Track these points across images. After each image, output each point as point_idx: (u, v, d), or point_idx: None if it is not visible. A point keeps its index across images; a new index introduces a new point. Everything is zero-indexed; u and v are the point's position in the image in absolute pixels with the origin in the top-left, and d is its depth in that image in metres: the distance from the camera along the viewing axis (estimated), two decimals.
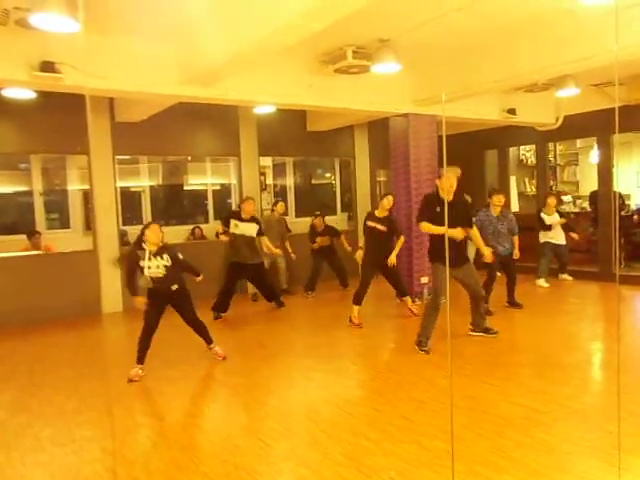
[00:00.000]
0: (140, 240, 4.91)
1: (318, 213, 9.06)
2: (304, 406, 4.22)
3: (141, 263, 4.87)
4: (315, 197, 12.28)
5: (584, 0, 4.38)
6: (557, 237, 8.78)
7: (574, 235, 8.68)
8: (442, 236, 5.04)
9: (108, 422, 3.97)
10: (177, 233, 9.89)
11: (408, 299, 7.00)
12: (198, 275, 5.32)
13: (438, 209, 5.09)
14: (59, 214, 9.95)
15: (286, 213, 9.70)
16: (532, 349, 5.60)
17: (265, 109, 8.05)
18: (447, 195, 5.02)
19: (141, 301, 4.92)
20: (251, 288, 8.43)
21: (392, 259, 6.54)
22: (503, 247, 6.89)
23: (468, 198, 6.44)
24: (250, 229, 7.25)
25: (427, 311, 5.43)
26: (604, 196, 9.02)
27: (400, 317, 7.03)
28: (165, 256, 4.91)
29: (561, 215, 8.89)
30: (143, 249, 4.88)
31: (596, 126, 8.64)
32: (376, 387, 4.64)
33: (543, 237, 8.85)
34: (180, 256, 5.05)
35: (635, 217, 10.21)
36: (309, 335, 6.45)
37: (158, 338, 5.06)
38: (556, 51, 5.76)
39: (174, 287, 5.01)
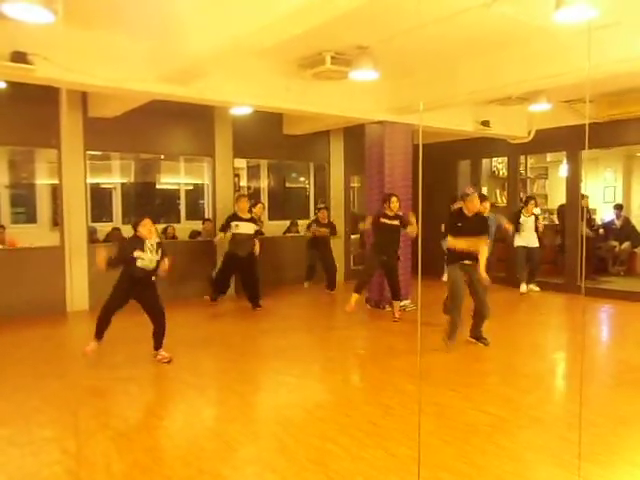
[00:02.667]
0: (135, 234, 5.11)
1: (323, 206, 9.36)
2: (272, 410, 4.19)
3: (135, 253, 5.00)
4: (289, 201, 12.28)
5: (558, 19, 4.48)
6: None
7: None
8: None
9: (69, 422, 3.88)
10: None
11: (397, 304, 7.15)
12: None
13: (460, 224, 5.70)
14: (25, 208, 9.71)
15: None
16: (498, 358, 5.69)
17: (241, 110, 8.00)
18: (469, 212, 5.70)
19: (102, 257, 4.97)
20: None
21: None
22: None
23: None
24: (251, 228, 7.77)
25: (449, 315, 5.81)
26: (571, 210, 9.24)
27: (374, 323, 7.07)
28: (159, 251, 5.16)
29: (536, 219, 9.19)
30: (142, 240, 5.05)
31: (566, 141, 8.86)
32: (345, 392, 4.65)
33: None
34: (166, 258, 5.28)
35: (601, 231, 10.51)
36: (280, 338, 6.42)
37: (124, 337, 4.97)
38: (530, 67, 5.89)
39: (154, 278, 5.20)
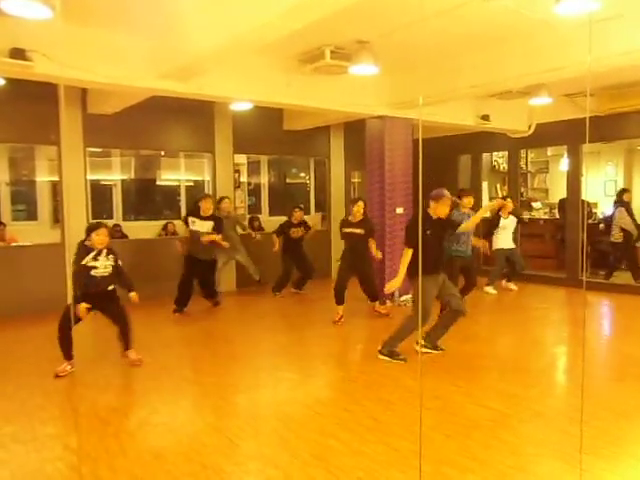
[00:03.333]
0: (85, 241, 4.89)
1: (301, 207, 9.10)
2: (273, 405, 4.20)
3: (90, 263, 4.81)
4: (289, 196, 12.26)
5: (559, 12, 4.46)
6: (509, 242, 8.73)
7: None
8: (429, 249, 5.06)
9: (72, 419, 3.88)
10: (148, 229, 9.77)
11: (376, 303, 7.11)
12: (131, 291, 5.06)
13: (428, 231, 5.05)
14: (26, 205, 9.71)
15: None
16: (499, 353, 5.69)
17: (241, 106, 7.98)
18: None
19: (84, 308, 4.73)
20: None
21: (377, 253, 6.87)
22: (467, 249, 6.67)
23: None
24: (206, 226, 7.31)
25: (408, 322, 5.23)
26: (572, 204, 9.23)
27: (371, 318, 7.06)
28: (111, 256, 4.97)
29: (519, 220, 8.79)
30: (90, 249, 4.85)
31: (567, 135, 8.83)
32: (345, 387, 4.65)
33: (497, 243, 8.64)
34: (120, 262, 5.06)
35: (601, 225, 10.49)
36: (279, 334, 6.43)
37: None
38: (531, 60, 5.87)
39: (110, 287, 4.98)
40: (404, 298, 7.78)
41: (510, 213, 8.58)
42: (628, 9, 4.91)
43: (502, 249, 8.62)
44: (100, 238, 4.85)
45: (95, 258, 4.85)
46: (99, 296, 4.88)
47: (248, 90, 6.42)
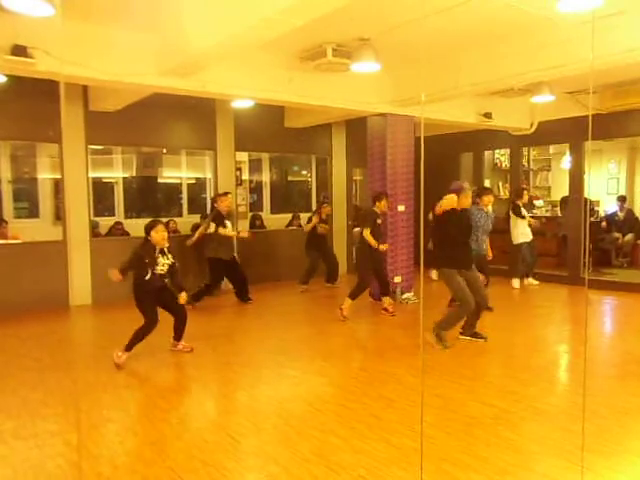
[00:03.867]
0: (147, 239, 5.07)
1: (327, 201, 9.29)
2: (274, 402, 4.20)
3: (151, 260, 4.99)
4: (291, 194, 12.26)
5: (561, 8, 4.45)
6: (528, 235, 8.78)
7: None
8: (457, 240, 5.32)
9: (73, 415, 3.89)
10: None
11: (387, 299, 7.05)
12: (181, 291, 5.24)
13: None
14: (28, 203, 9.71)
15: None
16: (501, 350, 5.68)
17: (243, 103, 7.98)
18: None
19: (117, 277, 4.89)
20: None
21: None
22: (484, 245, 6.87)
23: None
24: (230, 226, 7.57)
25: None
26: (574, 202, 9.21)
27: (373, 316, 7.06)
28: (170, 255, 5.15)
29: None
30: (153, 246, 5.04)
31: (569, 133, 8.81)
32: (346, 385, 4.65)
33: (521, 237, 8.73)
34: (176, 263, 5.25)
35: (603, 223, 10.47)
36: (281, 331, 6.42)
37: (126, 332, 4.98)
38: (533, 57, 5.85)
39: (167, 280, 5.18)
40: (405, 296, 7.79)
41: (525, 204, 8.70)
42: (631, 6, 4.89)
43: (524, 242, 8.67)
44: (160, 235, 5.01)
45: (158, 256, 5.03)
46: (160, 290, 5.09)
47: (250, 87, 6.41)
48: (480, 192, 6.99)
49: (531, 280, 9.14)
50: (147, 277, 4.96)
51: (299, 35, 5.08)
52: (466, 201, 5.35)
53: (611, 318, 7.48)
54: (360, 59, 5.84)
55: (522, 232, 8.65)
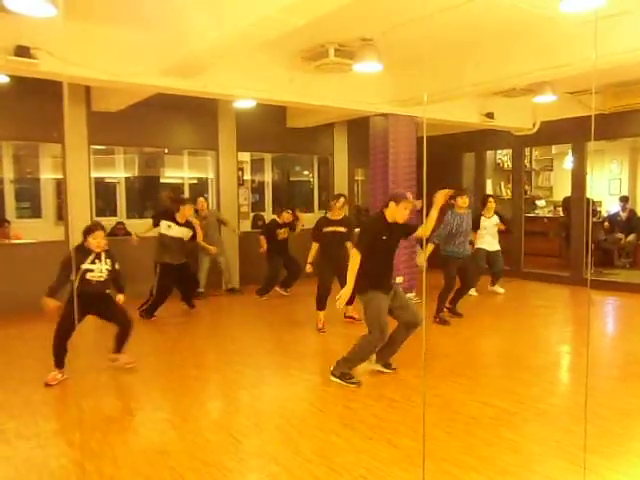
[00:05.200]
0: (83, 243, 4.71)
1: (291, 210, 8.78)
2: (275, 403, 4.20)
3: (83, 266, 4.62)
4: (293, 194, 12.25)
5: (564, 8, 4.44)
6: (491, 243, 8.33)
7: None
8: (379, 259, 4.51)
9: (76, 415, 3.90)
10: (152, 226, 9.76)
11: (349, 308, 6.48)
12: (121, 292, 4.88)
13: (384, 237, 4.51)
14: (30, 203, 9.72)
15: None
16: (502, 351, 5.68)
17: (245, 103, 7.98)
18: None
19: (53, 304, 4.57)
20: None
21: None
22: (466, 247, 6.72)
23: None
24: (183, 233, 6.97)
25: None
26: (577, 202, 9.20)
27: None
28: (109, 261, 4.75)
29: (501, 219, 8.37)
30: (88, 251, 4.68)
31: (571, 133, 8.80)
32: (347, 385, 4.64)
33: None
34: (117, 266, 4.83)
35: (606, 224, 10.46)
36: (281, 332, 6.43)
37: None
38: (535, 57, 5.84)
39: (108, 291, 4.81)
40: (407, 296, 7.77)
41: (495, 212, 8.24)
42: (634, 6, 4.88)
43: (481, 249, 8.22)
44: (97, 241, 4.66)
45: (93, 261, 4.66)
46: (95, 299, 4.68)
47: (251, 87, 6.42)
48: (454, 193, 6.55)
49: (496, 287, 8.67)
50: (76, 284, 4.53)
51: (301, 35, 5.09)
52: (401, 214, 4.50)
53: (613, 319, 7.47)
54: (362, 59, 5.84)
55: (483, 241, 8.25)
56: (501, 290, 8.61)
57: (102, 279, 4.71)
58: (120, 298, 4.84)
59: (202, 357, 5.36)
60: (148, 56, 5.58)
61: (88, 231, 4.72)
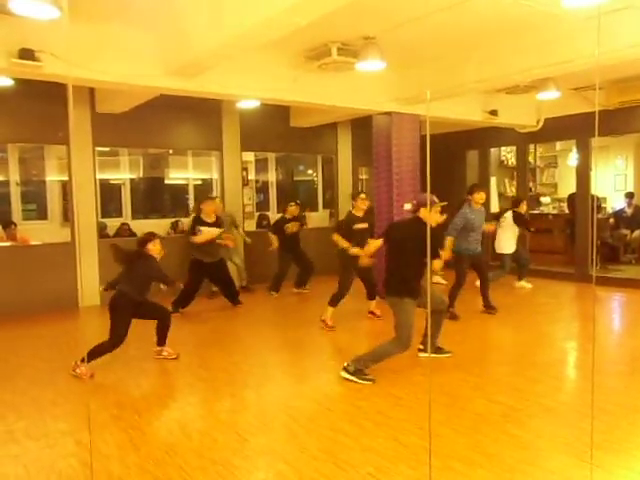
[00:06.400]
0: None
1: (297, 202, 8.88)
2: (282, 401, 4.21)
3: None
4: (297, 193, 12.27)
5: (567, 4, 4.43)
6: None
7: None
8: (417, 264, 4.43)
9: (84, 415, 3.92)
10: (157, 227, 9.77)
11: (373, 303, 6.70)
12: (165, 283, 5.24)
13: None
14: (36, 205, 9.78)
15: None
16: (508, 348, 5.67)
17: (248, 103, 8.00)
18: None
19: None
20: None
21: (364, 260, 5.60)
22: (478, 245, 6.70)
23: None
24: (216, 232, 7.29)
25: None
26: (582, 199, 9.17)
27: (383, 314, 7.05)
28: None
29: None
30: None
31: (575, 129, 8.77)
32: (354, 383, 4.65)
33: None
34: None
35: (611, 220, 10.42)
36: (287, 331, 6.44)
37: (135, 332, 5.01)
38: (538, 54, 5.83)
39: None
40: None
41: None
42: (637, 1, 4.86)
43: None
44: (157, 248, 5.05)
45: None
46: (136, 303, 4.95)
47: (255, 88, 6.43)
48: (471, 189, 6.77)
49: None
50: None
51: (304, 34, 5.10)
52: (436, 217, 4.61)
53: (619, 315, 7.44)
54: (365, 58, 5.84)
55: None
56: (528, 285, 8.72)
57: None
58: (163, 287, 5.20)
59: (208, 357, 5.37)
60: (152, 57, 5.60)
61: (149, 239, 5.06)
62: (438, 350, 5.14)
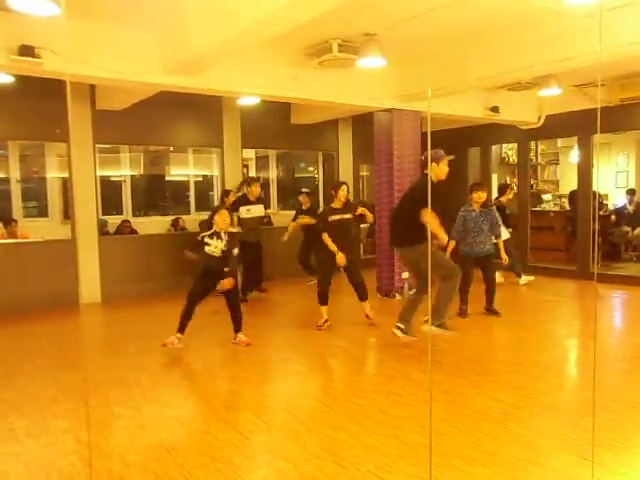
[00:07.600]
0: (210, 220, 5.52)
1: (307, 190, 9.08)
2: (283, 399, 4.21)
3: (206, 239, 5.34)
4: (298, 190, 12.24)
5: (569, 1, 4.41)
6: None
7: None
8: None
9: (84, 413, 3.92)
10: (158, 224, 9.81)
11: (366, 305, 6.39)
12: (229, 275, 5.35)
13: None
14: (37, 202, 9.77)
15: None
16: (509, 345, 5.67)
17: (249, 100, 7.98)
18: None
19: (191, 256, 5.36)
20: None
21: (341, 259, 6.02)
22: (482, 246, 6.60)
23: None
24: (260, 210, 7.81)
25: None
26: (583, 196, 9.15)
27: (379, 312, 7.05)
28: (225, 242, 5.32)
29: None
30: (211, 227, 5.42)
31: (577, 126, 8.75)
32: (355, 381, 4.65)
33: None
34: (235, 251, 5.37)
35: (613, 217, 10.40)
36: (288, 328, 6.44)
37: (135, 329, 5.01)
38: (540, 50, 5.81)
39: (226, 269, 5.31)
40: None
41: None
42: None
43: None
44: (222, 219, 5.32)
45: (211, 236, 5.33)
46: (214, 274, 5.25)
47: (255, 84, 6.41)
48: (470, 188, 6.69)
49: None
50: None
51: (304, 31, 5.07)
52: (444, 170, 5.39)
53: (621, 312, 7.43)
54: (366, 54, 5.82)
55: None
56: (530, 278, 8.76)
57: (216, 255, 5.30)
58: (222, 282, 5.26)
59: (209, 354, 5.37)
60: (152, 54, 5.59)
61: (216, 210, 5.53)
62: (442, 325, 5.11)
